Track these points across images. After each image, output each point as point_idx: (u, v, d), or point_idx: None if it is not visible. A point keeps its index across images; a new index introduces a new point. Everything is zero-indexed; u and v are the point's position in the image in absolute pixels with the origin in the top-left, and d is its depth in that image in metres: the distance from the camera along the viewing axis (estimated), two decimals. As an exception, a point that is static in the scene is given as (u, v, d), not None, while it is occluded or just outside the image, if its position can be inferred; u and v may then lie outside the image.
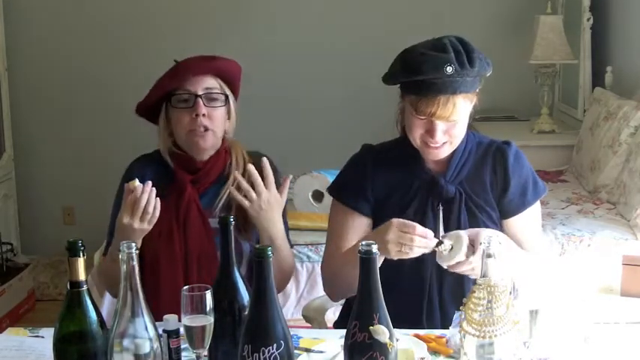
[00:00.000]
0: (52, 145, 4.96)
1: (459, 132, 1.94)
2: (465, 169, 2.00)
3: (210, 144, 2.11)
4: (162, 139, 2.14)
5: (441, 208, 1.94)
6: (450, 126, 1.90)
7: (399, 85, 1.96)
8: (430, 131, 1.90)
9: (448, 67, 1.83)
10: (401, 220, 1.82)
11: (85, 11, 4.85)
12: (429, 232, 1.78)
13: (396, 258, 1.80)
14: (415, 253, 1.78)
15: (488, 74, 1.93)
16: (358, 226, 2.03)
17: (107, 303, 2.82)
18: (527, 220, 2.03)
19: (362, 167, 2.05)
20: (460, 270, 1.79)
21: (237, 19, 4.85)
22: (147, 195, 1.91)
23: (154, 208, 1.92)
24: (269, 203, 2.01)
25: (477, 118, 5.15)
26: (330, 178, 3.38)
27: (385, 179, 2.02)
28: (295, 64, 4.83)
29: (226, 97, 2.13)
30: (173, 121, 2.11)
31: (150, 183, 1.93)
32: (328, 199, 3.36)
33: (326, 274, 2.09)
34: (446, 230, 1.89)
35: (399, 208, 1.99)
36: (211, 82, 2.10)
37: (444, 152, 1.96)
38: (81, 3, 4.86)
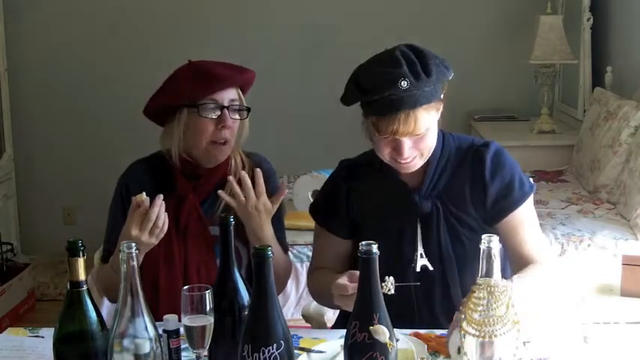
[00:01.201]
0: (52, 145, 4.95)
1: (429, 143, 1.86)
2: (442, 181, 1.93)
3: (226, 156, 2.10)
4: (175, 143, 2.08)
5: (419, 225, 1.91)
6: (417, 140, 1.83)
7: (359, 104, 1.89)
8: (397, 148, 1.83)
9: (403, 82, 1.74)
10: (337, 282, 1.73)
11: (84, 11, 4.85)
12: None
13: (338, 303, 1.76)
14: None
15: (449, 78, 1.84)
16: (336, 247, 2.02)
17: (107, 303, 2.81)
18: (519, 222, 1.93)
19: (337, 188, 2.02)
20: None
21: (238, 18, 4.85)
22: (157, 209, 1.89)
23: (163, 222, 1.91)
24: (257, 209, 2.00)
25: (477, 118, 5.19)
26: (330, 178, 3.38)
27: (362, 197, 1.99)
28: (296, 64, 4.84)
29: (247, 109, 2.11)
30: (194, 130, 2.05)
31: (161, 197, 1.91)
32: (328, 199, 3.38)
33: (310, 287, 2.12)
34: (425, 247, 1.87)
35: (378, 225, 1.95)
36: (234, 94, 2.08)
37: (416, 165, 1.88)
38: (81, 3, 4.86)
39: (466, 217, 1.92)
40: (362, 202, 1.99)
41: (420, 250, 1.86)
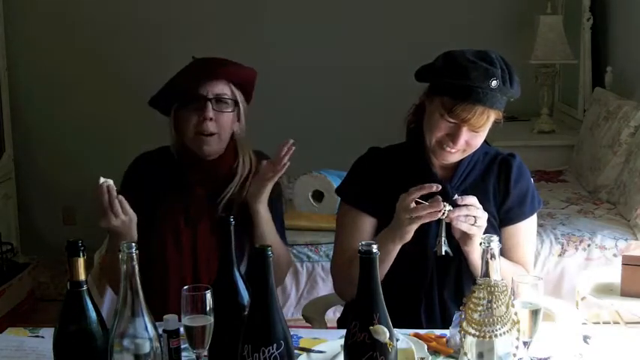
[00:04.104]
0: (52, 146, 4.96)
1: (477, 143, 1.95)
2: (470, 177, 2.02)
3: (214, 149, 2.13)
4: (171, 134, 2.16)
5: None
6: (472, 136, 1.92)
7: (427, 85, 1.96)
8: (453, 136, 1.91)
9: (494, 81, 1.85)
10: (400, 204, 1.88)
11: (85, 11, 4.85)
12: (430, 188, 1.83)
13: (409, 226, 1.84)
14: (424, 216, 1.83)
15: (513, 99, 1.95)
16: (366, 227, 2.04)
17: (107, 303, 2.82)
18: (521, 232, 2.04)
19: (369, 169, 2.07)
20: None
21: (239, 19, 4.85)
22: (106, 194, 1.93)
23: (120, 202, 1.95)
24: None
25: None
26: (330, 178, 3.38)
27: (391, 181, 2.03)
28: (296, 65, 4.83)
29: (236, 102, 2.14)
30: (182, 121, 2.12)
31: (109, 182, 1.95)
32: (328, 199, 3.38)
33: (336, 275, 2.11)
34: (448, 236, 1.89)
35: None
36: (223, 88, 2.11)
37: (455, 158, 1.97)
38: (81, 3, 4.86)
39: (488, 215, 1.97)
40: (390, 187, 2.02)
41: (444, 239, 1.89)
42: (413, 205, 1.84)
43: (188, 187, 2.13)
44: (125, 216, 1.96)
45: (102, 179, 1.95)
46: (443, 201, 1.84)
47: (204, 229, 2.09)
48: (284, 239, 2.21)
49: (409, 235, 1.87)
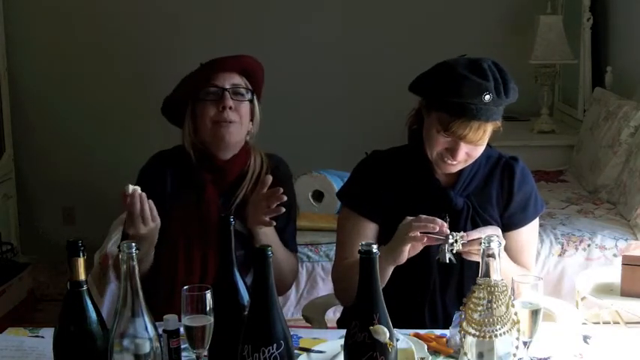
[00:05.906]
0: (52, 146, 4.95)
1: (478, 154, 1.94)
2: (473, 183, 2.01)
3: (234, 138, 2.14)
4: (186, 135, 2.16)
5: (447, 219, 1.94)
6: (471, 149, 1.91)
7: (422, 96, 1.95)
8: (452, 150, 1.90)
9: (487, 96, 1.83)
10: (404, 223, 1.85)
11: (85, 11, 4.84)
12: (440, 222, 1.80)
13: (408, 245, 1.81)
14: (425, 239, 1.80)
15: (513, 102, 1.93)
16: (368, 232, 2.02)
17: (107, 303, 2.82)
18: (524, 236, 2.04)
19: (372, 173, 2.05)
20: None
21: (238, 18, 4.85)
22: (138, 203, 1.92)
23: (150, 209, 1.94)
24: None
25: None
26: (330, 178, 3.38)
27: (394, 186, 2.02)
28: (296, 64, 4.83)
29: (252, 93, 2.18)
30: (199, 115, 2.13)
31: (138, 190, 1.93)
32: (328, 199, 3.38)
33: (336, 280, 2.10)
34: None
35: (406, 215, 1.95)
36: (237, 79, 2.16)
37: (457, 168, 1.97)
38: (81, 3, 4.86)
39: (490, 220, 1.99)
40: (393, 192, 2.02)
41: (447, 244, 1.87)
42: (418, 233, 1.81)
43: (201, 187, 2.13)
44: (153, 223, 1.95)
45: (130, 187, 1.92)
46: (447, 216, 1.86)
47: (214, 227, 2.07)
48: (294, 246, 2.21)
49: (403, 257, 1.84)
